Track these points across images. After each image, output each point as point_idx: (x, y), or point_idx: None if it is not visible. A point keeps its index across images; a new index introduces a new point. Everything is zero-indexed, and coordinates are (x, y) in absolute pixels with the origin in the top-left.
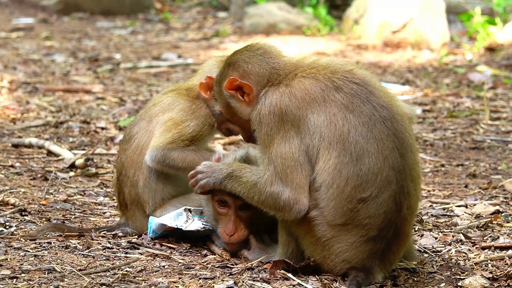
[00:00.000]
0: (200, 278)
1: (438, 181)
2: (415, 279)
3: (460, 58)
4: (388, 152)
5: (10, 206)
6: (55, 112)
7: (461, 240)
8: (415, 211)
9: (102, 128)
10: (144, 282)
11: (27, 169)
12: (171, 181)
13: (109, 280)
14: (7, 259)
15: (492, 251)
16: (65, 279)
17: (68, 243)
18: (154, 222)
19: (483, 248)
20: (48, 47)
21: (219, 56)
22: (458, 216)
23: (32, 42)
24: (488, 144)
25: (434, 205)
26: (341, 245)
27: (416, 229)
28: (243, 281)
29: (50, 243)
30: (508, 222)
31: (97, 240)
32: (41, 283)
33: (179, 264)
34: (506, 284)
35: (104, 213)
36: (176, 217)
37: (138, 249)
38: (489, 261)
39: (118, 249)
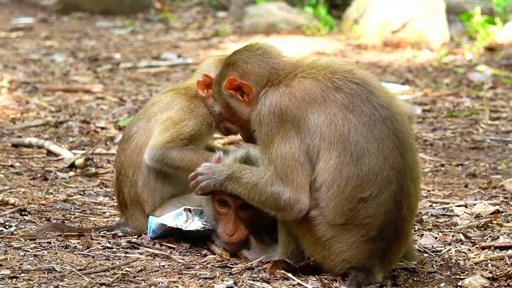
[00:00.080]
0: (200, 278)
1: (438, 181)
2: (415, 279)
3: (460, 58)
4: (389, 152)
5: (10, 206)
6: (54, 112)
7: (461, 240)
8: (415, 211)
9: (102, 128)
10: (144, 282)
11: (27, 169)
12: (170, 181)
13: (109, 280)
14: (6, 259)
15: (492, 251)
16: (65, 279)
17: (68, 243)
18: (154, 222)
19: (483, 248)
20: (47, 46)
21: (217, 56)
22: (458, 216)
23: (31, 41)
24: (488, 144)
25: (434, 205)
26: (341, 245)
27: (416, 229)
28: (243, 281)
29: (50, 243)
30: (508, 222)
31: (97, 240)
32: (41, 283)
33: (179, 264)
34: (506, 284)
35: (104, 213)
36: (176, 217)
37: (138, 249)
38: (489, 261)
39: (118, 249)
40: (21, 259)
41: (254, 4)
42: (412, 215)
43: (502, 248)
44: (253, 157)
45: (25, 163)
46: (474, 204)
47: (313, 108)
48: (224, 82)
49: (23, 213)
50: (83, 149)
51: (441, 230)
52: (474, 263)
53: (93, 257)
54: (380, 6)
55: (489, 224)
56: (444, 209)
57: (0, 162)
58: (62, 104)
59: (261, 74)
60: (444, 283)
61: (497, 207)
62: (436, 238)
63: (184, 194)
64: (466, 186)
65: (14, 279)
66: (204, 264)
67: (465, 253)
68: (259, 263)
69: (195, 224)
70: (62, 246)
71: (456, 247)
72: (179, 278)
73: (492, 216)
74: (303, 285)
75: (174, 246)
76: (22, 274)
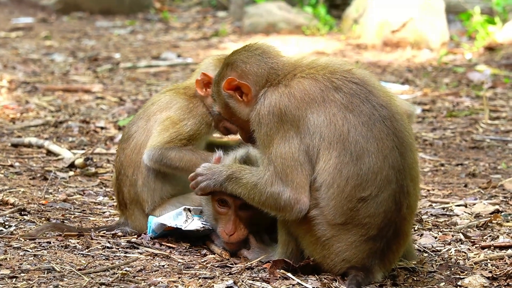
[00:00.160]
0: (199, 278)
1: (438, 180)
2: (415, 279)
3: (460, 58)
4: (388, 151)
5: (10, 206)
6: (54, 111)
7: (460, 240)
8: (415, 210)
9: (102, 128)
10: (144, 282)
11: (27, 169)
12: (170, 180)
13: (109, 280)
14: (6, 258)
15: (492, 251)
16: (65, 279)
17: (67, 243)
18: (153, 221)
19: (483, 248)
20: (47, 46)
21: (216, 55)
22: (457, 215)
23: (31, 41)
24: (487, 143)
25: (433, 204)
26: (341, 244)
27: (415, 228)
28: (242, 281)
29: (50, 242)
30: (507, 221)
31: (96, 239)
32: (41, 282)
33: (179, 264)
34: (505, 284)
35: (104, 212)
36: (176, 217)
37: (138, 248)
38: (488, 261)
39: (118, 248)
40: (20, 259)
41: (253, 4)
42: (411, 215)
43: (501, 247)
44: (253, 157)
45: (25, 163)
46: (474, 204)
47: (312, 108)
48: (223, 82)
49: (22, 213)
50: (83, 149)
51: (441, 229)
52: (474, 263)
53: (92, 256)
54: (379, 5)
55: (488, 224)
56: (443, 208)
57: None
58: (62, 104)
59: (260, 74)
60: (443, 283)
61: (497, 206)
62: (435, 237)
63: (184, 193)
64: (465, 186)
65: (14, 279)
66: (204, 264)
67: (465, 252)
68: (258, 263)
69: (194, 223)
70: (61, 246)
71: (456, 247)
72: (179, 277)
73: (492, 215)
74: (302, 285)
75: (173, 246)
76: (22, 274)
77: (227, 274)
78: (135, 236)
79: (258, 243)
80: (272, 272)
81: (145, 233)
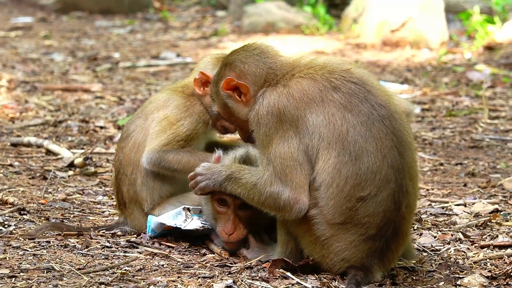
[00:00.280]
0: (199, 277)
1: (437, 180)
2: (414, 278)
3: (459, 57)
4: (387, 150)
5: (9, 205)
6: (54, 111)
7: (460, 239)
8: (414, 209)
9: (101, 127)
10: (143, 281)
11: (26, 168)
12: (169, 179)
13: (108, 279)
14: (6, 258)
15: (491, 250)
16: (64, 278)
17: (67, 242)
18: (153, 221)
19: (482, 247)
20: (47, 46)
21: (215, 54)
22: (457, 215)
23: (31, 41)
24: (487, 143)
25: (433, 204)
26: (340, 244)
27: (415, 228)
28: (242, 280)
29: (49, 242)
30: (507, 220)
31: (96, 239)
32: (40, 282)
33: (178, 263)
34: (505, 283)
35: (103, 212)
36: (175, 216)
37: (137, 248)
38: (488, 260)
39: (117, 248)
40: (20, 258)
41: (253, 3)
42: (411, 214)
43: (501, 247)
44: (252, 157)
45: (24, 162)
46: (473, 203)
47: (311, 108)
48: (222, 82)
49: (22, 212)
50: (82, 148)
51: (440, 229)
52: (473, 262)
53: (92, 256)
54: (379, 5)
55: (488, 223)
56: (443, 208)
57: None
58: (61, 103)
59: (259, 74)
60: (443, 282)
61: (496, 206)
62: (435, 237)
63: (183, 193)
64: (465, 185)
65: (13, 278)
66: (203, 263)
67: (464, 252)
68: (258, 262)
69: (194, 223)
70: (61, 245)
71: (455, 246)
72: (178, 277)
73: (491, 215)
74: (302, 284)
75: (173, 245)
76: (21, 273)
77: (226, 273)
78: (135, 235)
79: (258, 243)
80: (271, 272)
81: (144, 233)
